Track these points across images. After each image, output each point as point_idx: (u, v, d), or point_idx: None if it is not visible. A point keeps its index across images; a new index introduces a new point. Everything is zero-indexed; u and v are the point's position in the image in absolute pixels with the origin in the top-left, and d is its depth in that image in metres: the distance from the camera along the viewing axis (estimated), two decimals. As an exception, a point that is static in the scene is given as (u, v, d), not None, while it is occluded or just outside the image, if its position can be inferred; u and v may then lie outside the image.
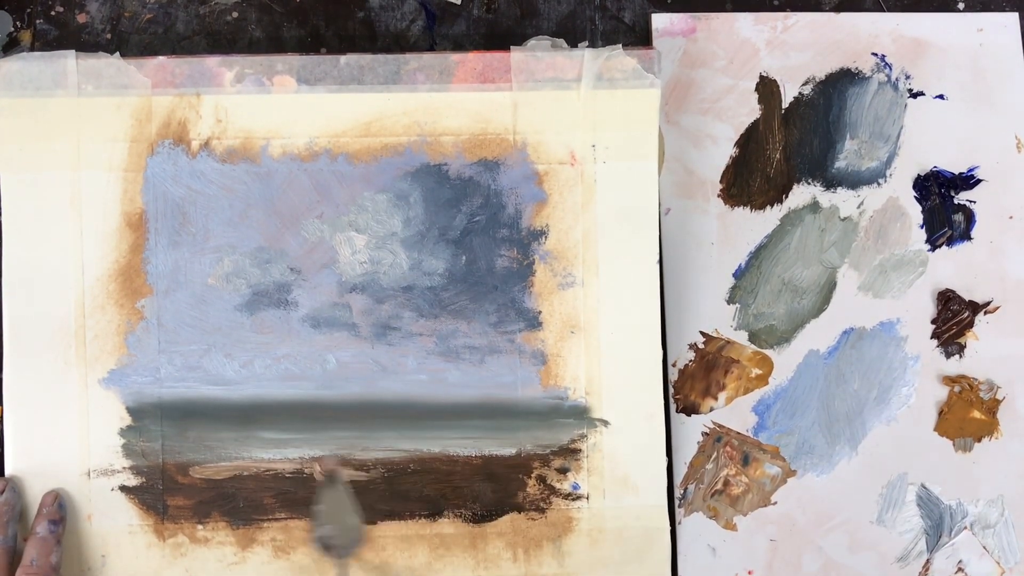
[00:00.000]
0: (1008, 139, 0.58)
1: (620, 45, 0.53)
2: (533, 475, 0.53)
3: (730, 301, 0.56)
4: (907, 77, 0.57)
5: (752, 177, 0.57)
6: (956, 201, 0.57)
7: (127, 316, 0.52)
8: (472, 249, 0.53)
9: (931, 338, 0.57)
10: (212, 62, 0.52)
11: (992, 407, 0.56)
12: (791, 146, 0.57)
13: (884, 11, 0.58)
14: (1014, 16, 0.58)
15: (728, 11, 0.58)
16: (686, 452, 0.56)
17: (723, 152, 0.57)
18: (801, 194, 0.57)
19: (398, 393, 0.53)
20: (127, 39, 0.56)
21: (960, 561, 0.56)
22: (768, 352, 0.56)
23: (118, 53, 0.52)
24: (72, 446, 0.52)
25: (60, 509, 0.51)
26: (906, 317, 0.57)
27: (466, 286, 0.53)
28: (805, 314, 0.56)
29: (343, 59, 0.53)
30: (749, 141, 0.57)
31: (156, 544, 0.52)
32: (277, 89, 0.52)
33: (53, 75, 0.51)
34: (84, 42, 0.55)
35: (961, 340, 0.57)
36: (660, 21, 0.57)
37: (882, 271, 0.57)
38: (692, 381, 0.56)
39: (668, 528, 0.53)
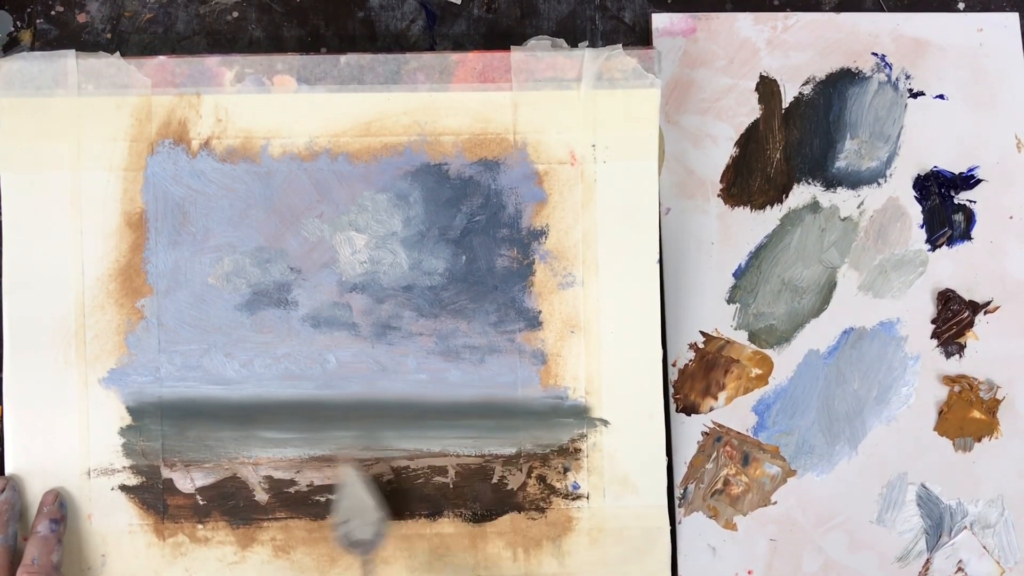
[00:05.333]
0: (1008, 139, 0.58)
1: (620, 45, 0.53)
2: (533, 475, 0.53)
3: (730, 301, 0.56)
4: (907, 77, 0.57)
5: (752, 177, 0.57)
6: (956, 201, 0.57)
7: (127, 316, 0.52)
8: (472, 249, 0.53)
9: (931, 338, 0.57)
10: (212, 62, 0.52)
11: (992, 407, 0.56)
12: (791, 146, 0.57)
13: (884, 11, 0.58)
14: (1014, 16, 0.58)
15: (728, 11, 0.58)
16: (686, 452, 0.56)
17: (723, 152, 0.57)
18: (801, 194, 0.57)
19: (398, 393, 0.53)
20: (127, 39, 0.56)
21: (960, 561, 0.56)
22: (768, 352, 0.56)
23: (118, 53, 0.52)
24: (72, 445, 0.52)
25: (61, 508, 0.51)
26: (906, 317, 0.57)
27: (466, 286, 0.53)
28: (805, 314, 0.56)
29: (343, 59, 0.53)
30: (749, 141, 0.57)
31: (156, 543, 0.52)
32: (277, 89, 0.52)
33: (53, 75, 0.51)
34: (84, 42, 0.55)
35: (961, 340, 0.57)
36: (660, 21, 0.57)
37: (882, 271, 0.57)
38: (692, 381, 0.56)
39: (668, 528, 0.53)
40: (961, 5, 0.59)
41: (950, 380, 0.56)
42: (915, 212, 0.57)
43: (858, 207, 0.57)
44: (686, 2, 0.58)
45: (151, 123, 0.52)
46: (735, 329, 0.56)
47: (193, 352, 0.52)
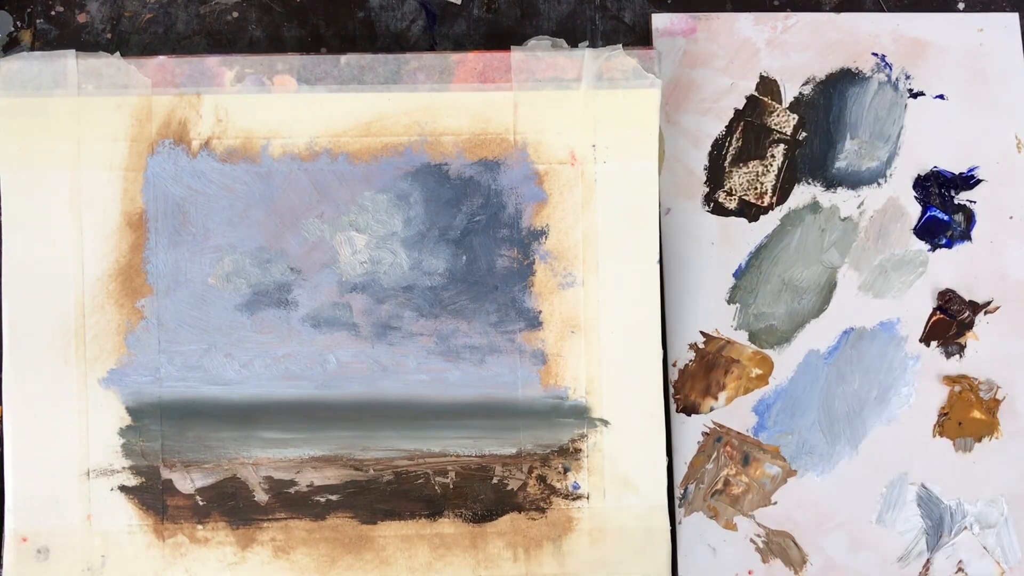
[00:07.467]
0: (1008, 139, 0.58)
1: (620, 45, 0.53)
2: (533, 475, 0.53)
3: (730, 301, 0.56)
4: (907, 77, 0.57)
5: (752, 177, 0.57)
6: (956, 201, 0.57)
7: (127, 316, 0.52)
8: (472, 249, 0.53)
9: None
10: (212, 62, 0.52)
11: (992, 407, 0.56)
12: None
13: (884, 11, 0.58)
14: (1014, 16, 0.58)
15: (728, 11, 0.58)
16: (686, 452, 0.56)
17: (723, 152, 0.57)
18: (801, 194, 0.57)
19: (398, 393, 0.53)
20: (127, 39, 0.56)
21: (960, 561, 0.56)
22: (768, 352, 0.56)
23: (118, 53, 0.52)
24: (72, 446, 0.52)
25: None
26: (906, 317, 0.57)
27: (466, 286, 0.53)
28: (805, 314, 0.56)
29: (343, 59, 0.53)
30: (749, 141, 0.57)
31: (156, 544, 0.52)
32: (277, 89, 0.52)
33: (53, 75, 0.51)
34: (84, 42, 0.55)
35: (961, 340, 0.57)
36: (660, 21, 0.57)
37: (882, 271, 0.57)
38: (692, 381, 0.56)
39: (668, 528, 0.53)
40: (961, 5, 0.59)
41: (950, 380, 0.56)
42: (915, 212, 0.57)
43: (858, 207, 0.57)
44: (686, 2, 0.58)
45: (151, 123, 0.52)
46: (735, 329, 0.56)
47: (193, 352, 0.52)
